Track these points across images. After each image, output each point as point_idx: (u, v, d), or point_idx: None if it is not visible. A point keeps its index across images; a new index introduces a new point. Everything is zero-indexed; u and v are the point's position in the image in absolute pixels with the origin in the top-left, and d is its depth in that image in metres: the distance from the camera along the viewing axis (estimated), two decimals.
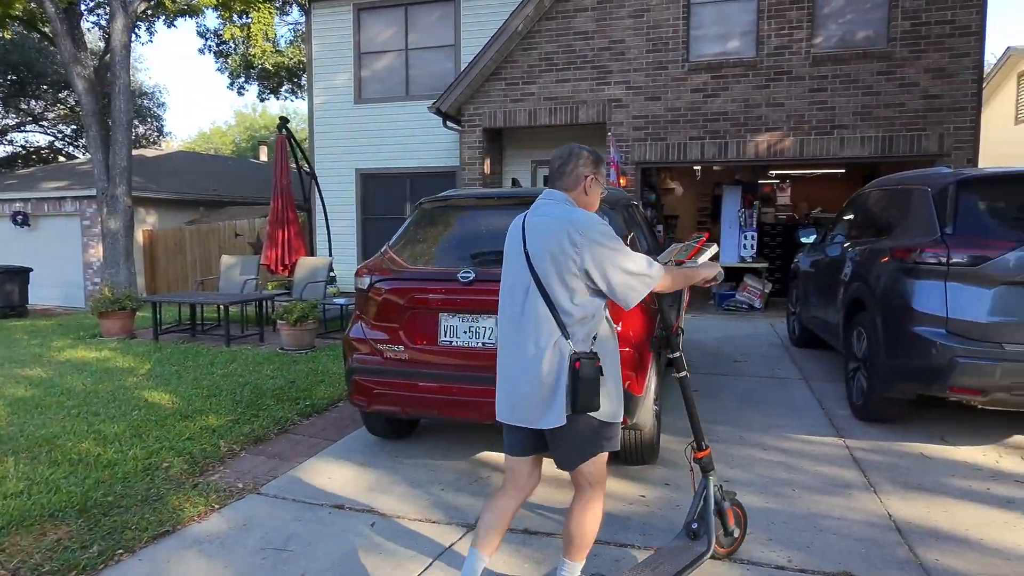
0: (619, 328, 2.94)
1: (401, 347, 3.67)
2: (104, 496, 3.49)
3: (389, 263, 3.87)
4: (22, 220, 15.64)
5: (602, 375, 2.22)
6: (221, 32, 21.34)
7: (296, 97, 26.13)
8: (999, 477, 3.68)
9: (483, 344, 3.51)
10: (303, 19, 16.01)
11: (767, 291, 10.18)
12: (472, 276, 3.48)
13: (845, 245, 5.64)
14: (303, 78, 23.02)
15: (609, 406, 2.29)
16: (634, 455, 3.79)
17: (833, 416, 4.82)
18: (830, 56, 9.22)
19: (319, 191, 11.00)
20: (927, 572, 2.72)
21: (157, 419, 4.75)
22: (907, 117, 9.01)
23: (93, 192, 13.47)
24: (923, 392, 4.13)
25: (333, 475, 3.83)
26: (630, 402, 3.38)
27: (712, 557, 2.63)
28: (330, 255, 10.43)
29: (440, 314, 3.59)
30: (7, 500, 3.42)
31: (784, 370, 6.20)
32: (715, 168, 12.41)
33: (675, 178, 13.59)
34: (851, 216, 6.04)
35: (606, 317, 2.36)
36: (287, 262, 9.43)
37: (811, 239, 6.89)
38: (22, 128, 26.74)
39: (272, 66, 23.30)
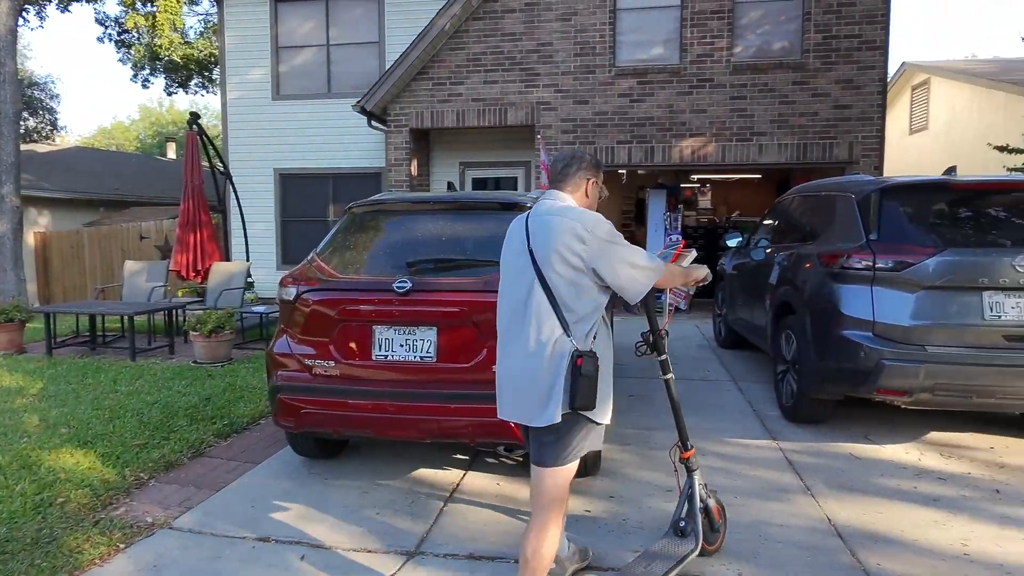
0: None
1: (332, 362, 3.42)
2: None
3: (317, 272, 3.60)
4: None
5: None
6: (123, 20, 19.93)
7: (207, 91, 24.80)
8: (923, 475, 3.82)
9: (421, 358, 3.31)
10: (215, 10, 15.15)
11: (692, 293, 10.43)
12: (409, 286, 3.27)
13: (771, 250, 5.78)
14: (215, 72, 21.86)
15: (602, 406, 2.31)
16: (579, 467, 3.68)
17: (765, 418, 4.91)
18: (749, 65, 9.53)
19: (234, 191, 10.39)
20: None
21: (51, 447, 4.26)
22: (820, 126, 9.43)
23: None
24: (851, 394, 4.25)
25: (257, 503, 3.52)
26: None
27: (700, 554, 2.67)
28: (247, 259, 9.85)
29: (374, 327, 3.36)
30: None
31: (714, 372, 6.30)
32: (640, 172, 12.63)
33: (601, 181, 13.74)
34: (775, 221, 6.21)
35: (603, 317, 2.38)
36: (200, 267, 8.83)
37: (737, 243, 7.06)
38: None
39: (180, 58, 21.99)
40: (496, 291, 3.22)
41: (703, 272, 2.68)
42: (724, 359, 6.87)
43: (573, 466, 2.34)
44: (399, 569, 2.86)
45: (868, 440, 4.41)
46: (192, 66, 22.75)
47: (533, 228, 2.32)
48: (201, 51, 22.59)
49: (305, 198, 11.93)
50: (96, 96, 67.65)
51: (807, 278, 4.67)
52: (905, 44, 53.27)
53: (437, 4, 10.28)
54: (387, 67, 10.56)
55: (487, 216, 3.65)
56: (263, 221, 11.84)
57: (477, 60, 10.13)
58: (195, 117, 9.30)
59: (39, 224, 14.14)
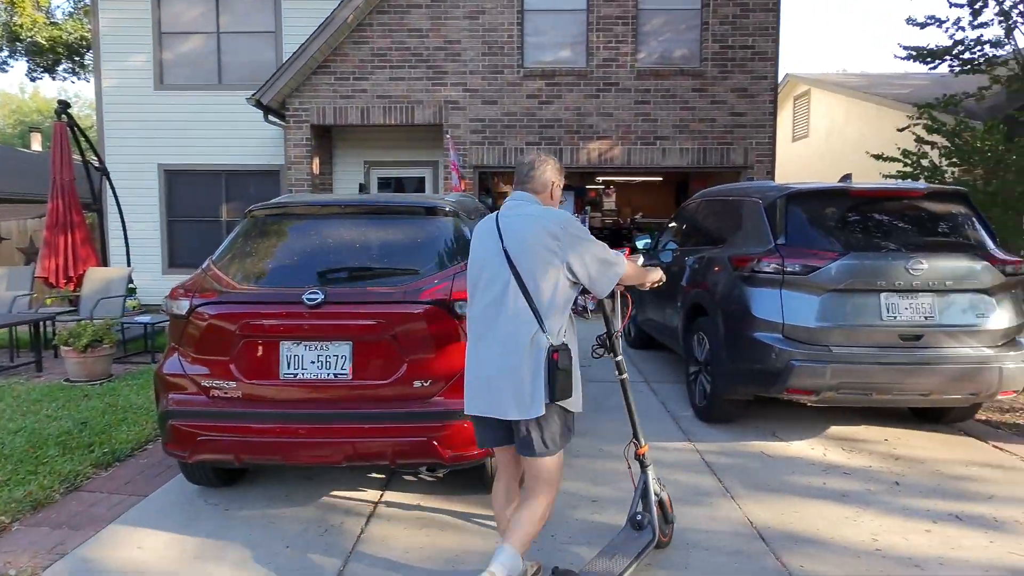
0: None
1: (233, 383, 3.09)
2: None
3: (214, 282, 3.25)
4: None
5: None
6: None
7: (79, 78, 22.64)
8: (830, 471, 3.98)
9: (335, 375, 3.06)
10: None
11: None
12: (321, 297, 3.01)
13: (680, 252, 5.90)
14: (88, 56, 19.99)
15: (576, 396, 2.44)
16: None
17: (679, 419, 4.99)
18: (652, 71, 9.78)
19: (112, 189, 9.45)
20: None
21: None
22: (718, 131, 9.83)
23: None
24: (763, 394, 4.38)
25: (145, 543, 3.13)
26: None
27: (656, 546, 2.79)
28: (128, 264, 9.00)
29: (282, 343, 3.07)
30: None
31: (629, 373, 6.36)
32: None
33: (508, 182, 13.73)
34: (683, 224, 6.36)
35: (569, 313, 2.48)
36: (72, 274, 7.96)
37: (645, 244, 7.17)
38: None
39: (46, 40, 19.93)
40: (416, 301, 3.08)
41: (659, 274, 2.85)
42: (635, 359, 6.97)
43: (561, 453, 2.47)
44: None
45: (776, 438, 4.56)
46: (60, 49, 20.68)
47: (506, 228, 2.41)
48: (71, 33, 20.58)
49: (194, 197, 11.07)
50: None
51: (718, 281, 4.78)
52: (785, 57, 57.32)
53: None
54: (285, 59, 9.98)
55: (407, 221, 3.43)
56: (146, 221, 10.88)
57: (382, 55, 9.78)
58: (64, 106, 8.38)
59: None
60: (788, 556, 2.97)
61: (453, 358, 3.08)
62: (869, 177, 10.70)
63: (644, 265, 2.88)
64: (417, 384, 3.05)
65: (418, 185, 11.14)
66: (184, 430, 3.09)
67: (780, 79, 18.12)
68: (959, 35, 8.25)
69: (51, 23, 20.04)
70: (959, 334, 4.01)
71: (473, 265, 2.49)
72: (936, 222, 4.34)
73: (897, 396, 4.12)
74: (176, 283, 3.37)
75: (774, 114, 9.89)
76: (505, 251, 2.37)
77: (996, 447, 4.39)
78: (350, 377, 3.05)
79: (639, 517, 2.80)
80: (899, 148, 8.04)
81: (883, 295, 4.04)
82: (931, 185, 4.68)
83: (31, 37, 19.41)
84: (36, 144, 24.64)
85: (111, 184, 9.51)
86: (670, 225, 6.82)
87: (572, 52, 9.88)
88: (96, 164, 9.54)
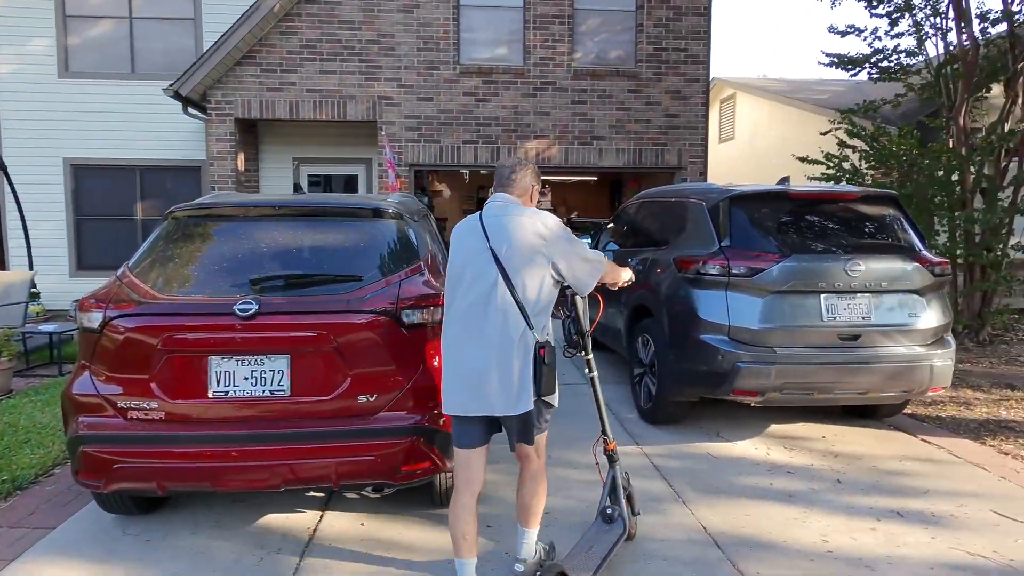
0: (426, 367, 2.94)
1: (154, 403, 2.80)
2: None
3: (131, 291, 2.94)
4: None
5: None
6: None
7: None
8: (775, 471, 4.03)
9: (271, 392, 2.82)
10: None
11: None
12: (254, 308, 2.77)
13: (620, 253, 5.89)
14: None
15: (556, 392, 2.54)
16: (450, 494, 3.39)
17: (624, 421, 4.96)
18: (589, 71, 9.79)
19: (10, 185, 8.65)
20: None
21: None
22: (653, 132, 9.96)
23: None
24: (709, 395, 4.40)
25: None
26: (447, 441, 2.99)
27: (626, 539, 2.87)
28: (31, 267, 8.27)
29: (211, 358, 2.80)
30: None
31: (568, 375, 6.32)
32: (482, 172, 12.56)
33: (443, 181, 13.50)
34: (623, 226, 6.36)
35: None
36: None
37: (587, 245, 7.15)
38: None
39: None
40: (360, 310, 2.88)
41: (630, 273, 2.96)
42: (576, 361, 6.92)
43: (545, 433, 2.62)
44: None
45: (721, 438, 4.60)
46: None
47: (492, 228, 2.47)
48: None
49: (106, 194, 10.29)
50: None
51: (663, 282, 4.77)
52: (714, 60, 59.24)
53: None
54: (206, 48, 9.41)
55: (348, 224, 3.21)
56: (51, 220, 10.04)
57: (312, 47, 9.37)
58: None
59: None
60: (744, 562, 2.95)
61: (401, 370, 2.90)
62: (794, 179, 11.12)
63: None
64: (362, 399, 2.85)
65: (347, 183, 10.76)
66: (98, 457, 2.78)
67: None
68: (878, 44, 8.65)
69: None
70: (893, 333, 4.14)
71: (454, 264, 2.53)
72: (871, 224, 4.47)
73: (837, 395, 4.21)
74: (86, 287, 3.05)
75: (706, 116, 10.11)
76: (492, 250, 2.42)
77: (924, 440, 4.57)
78: (288, 393, 2.82)
79: (609, 511, 2.88)
80: (822, 151, 8.35)
81: (823, 296, 4.12)
82: (866, 188, 4.82)
83: None
84: None
85: (9, 180, 8.70)
86: (609, 226, 6.81)
87: (509, 50, 9.77)
88: None
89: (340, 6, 9.35)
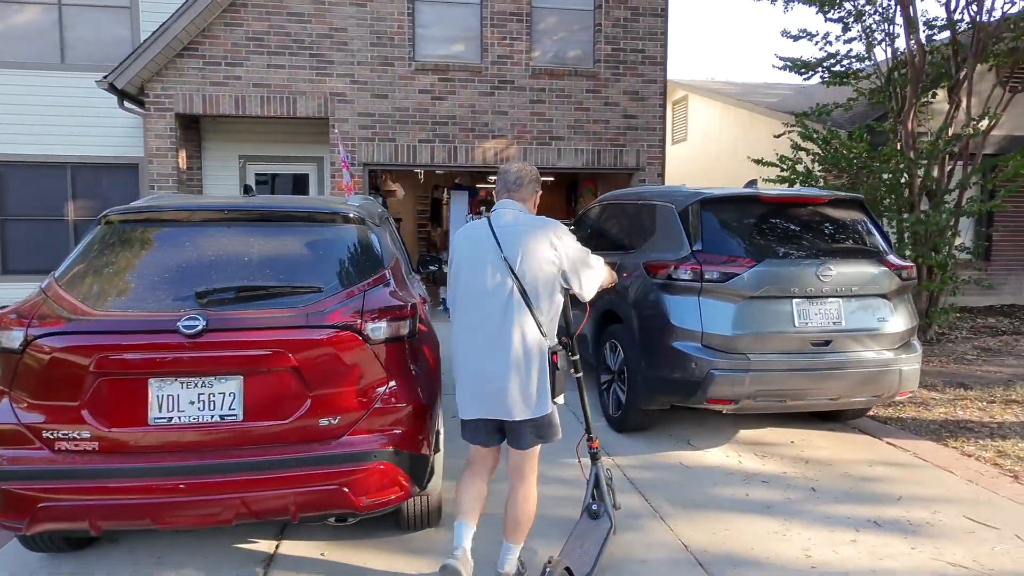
0: (394, 385, 2.73)
1: (86, 432, 2.49)
2: None
3: (58, 306, 2.62)
4: None
5: None
6: None
7: None
8: (749, 480, 3.95)
9: (221, 417, 2.54)
10: None
11: None
12: (201, 324, 2.49)
13: None
14: None
15: (564, 391, 2.61)
16: (418, 519, 3.19)
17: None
18: (547, 71, 9.66)
19: None
20: None
21: None
22: (612, 133, 9.90)
23: None
24: (681, 403, 4.29)
25: None
26: (417, 465, 2.79)
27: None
28: None
29: (151, 380, 2.51)
30: None
31: None
32: (437, 172, 12.30)
33: (397, 180, 13.17)
34: (587, 229, 6.22)
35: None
36: None
37: None
38: None
39: None
40: (321, 325, 2.63)
41: (614, 276, 3.04)
42: None
43: (539, 447, 2.63)
44: None
45: (691, 446, 4.51)
46: None
47: (504, 237, 2.50)
48: None
49: (33, 192, 9.61)
50: None
51: (632, 287, 4.64)
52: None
53: None
54: (143, 39, 8.87)
55: (306, 229, 2.95)
56: None
57: (259, 40, 8.94)
58: None
59: None
60: None
61: (366, 390, 2.67)
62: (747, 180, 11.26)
63: None
64: (324, 422, 2.60)
65: (297, 183, 10.35)
66: (20, 495, 2.45)
67: None
68: (830, 48, 8.80)
69: None
70: (863, 338, 4.12)
71: (461, 272, 2.56)
72: (840, 228, 4.45)
73: (809, 401, 4.16)
74: (14, 293, 2.70)
75: (664, 117, 10.11)
76: (506, 260, 2.45)
77: (889, 443, 4.58)
78: (240, 418, 2.55)
79: (595, 507, 2.99)
80: (776, 152, 8.44)
81: (795, 301, 4.06)
82: (835, 192, 4.80)
83: None
84: None
85: None
86: (571, 229, 6.67)
87: (466, 47, 9.55)
88: None
89: None
